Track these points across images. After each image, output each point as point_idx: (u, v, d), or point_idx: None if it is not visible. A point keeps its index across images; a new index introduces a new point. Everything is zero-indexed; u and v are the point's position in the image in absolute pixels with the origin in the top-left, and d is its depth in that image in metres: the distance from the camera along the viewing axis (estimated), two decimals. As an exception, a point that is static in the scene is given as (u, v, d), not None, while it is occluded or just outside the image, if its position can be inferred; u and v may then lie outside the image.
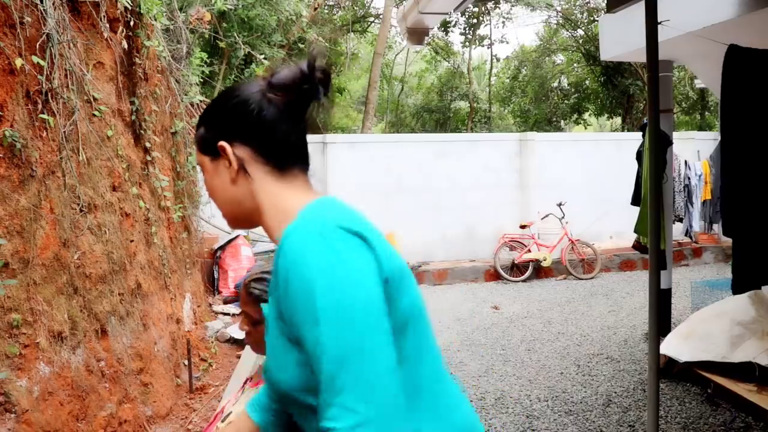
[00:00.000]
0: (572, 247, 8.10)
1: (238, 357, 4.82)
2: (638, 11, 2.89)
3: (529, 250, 8.11)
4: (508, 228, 8.48)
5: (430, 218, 8.36)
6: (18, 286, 2.45)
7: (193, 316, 5.10)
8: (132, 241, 3.63)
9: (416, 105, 18.90)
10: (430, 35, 10.13)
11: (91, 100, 3.25)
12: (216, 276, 7.00)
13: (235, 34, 8.42)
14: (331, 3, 13.72)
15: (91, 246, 3.07)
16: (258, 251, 7.47)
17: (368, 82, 13.25)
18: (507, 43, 26.35)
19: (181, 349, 4.30)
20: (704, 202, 7.99)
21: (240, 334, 5.07)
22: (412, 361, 0.88)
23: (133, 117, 3.91)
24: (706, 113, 15.66)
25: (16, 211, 2.47)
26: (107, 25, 3.45)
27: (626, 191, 5.73)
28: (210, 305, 6.27)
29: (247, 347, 1.52)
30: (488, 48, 17.31)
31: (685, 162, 8.01)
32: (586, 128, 17.37)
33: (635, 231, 4.79)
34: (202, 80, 6.82)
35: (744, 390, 3.61)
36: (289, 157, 1.01)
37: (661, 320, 3.84)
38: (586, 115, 16.89)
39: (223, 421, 1.45)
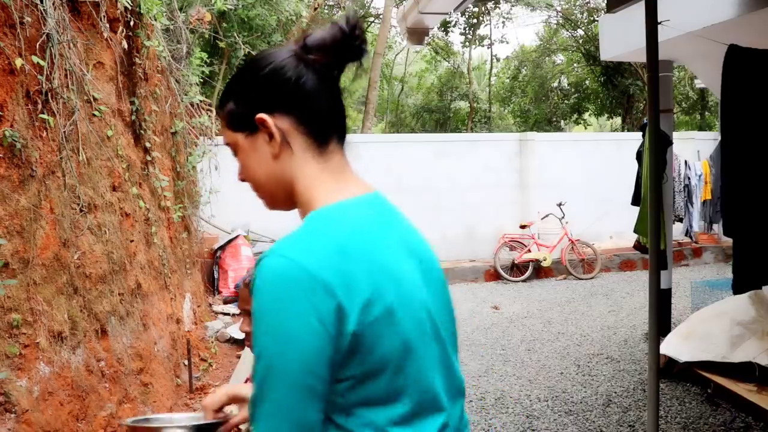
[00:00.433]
0: (572, 247, 8.10)
1: (238, 357, 4.82)
2: (638, 11, 2.89)
3: (529, 250, 8.11)
4: (508, 228, 8.48)
5: (430, 218, 8.36)
6: (18, 286, 2.45)
7: (193, 316, 5.10)
8: (132, 241, 3.63)
9: (416, 105, 18.90)
10: (430, 35, 10.13)
11: (91, 100, 3.25)
12: (216, 276, 7.00)
13: (235, 34, 8.42)
14: (331, 3, 13.72)
15: (91, 246, 3.07)
16: (258, 251, 7.47)
17: (368, 82, 13.26)
18: (507, 43, 26.35)
19: (181, 349, 4.30)
20: (704, 202, 7.99)
21: (240, 335, 5.06)
22: (382, 403, 0.84)
23: (133, 117, 3.91)
24: (706, 113, 15.66)
25: (16, 211, 2.47)
26: (107, 25, 3.45)
27: (626, 191, 5.73)
28: (210, 305, 6.27)
29: (247, 348, 1.51)
30: (488, 48, 17.32)
31: (685, 162, 8.01)
32: (586, 128, 17.37)
33: (635, 231, 4.80)
34: (202, 80, 6.82)
35: (744, 390, 3.61)
36: (329, 127, 0.94)
37: (661, 320, 3.84)
38: (586, 115, 16.89)
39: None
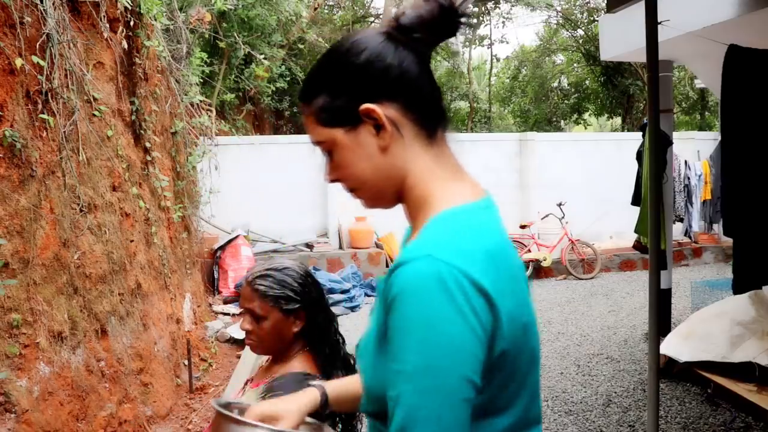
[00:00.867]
0: (572, 247, 8.10)
1: (238, 357, 4.82)
2: (638, 11, 2.89)
3: (529, 250, 8.10)
4: (508, 228, 8.26)
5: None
6: (18, 286, 2.45)
7: (193, 316, 5.10)
8: (132, 241, 3.63)
9: (416, 105, 18.82)
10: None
11: (91, 100, 3.25)
12: (216, 276, 7.00)
13: (235, 34, 8.42)
14: (331, 3, 13.72)
15: (91, 246, 3.07)
16: (258, 251, 7.47)
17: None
18: (507, 43, 26.32)
19: (181, 349, 4.30)
20: (704, 202, 7.99)
21: (240, 334, 5.06)
22: (496, 414, 0.80)
23: (133, 117, 3.91)
24: (706, 113, 15.66)
25: (16, 211, 2.47)
26: (107, 25, 3.45)
27: (626, 191, 5.73)
28: (210, 305, 6.27)
29: (247, 347, 1.51)
30: (488, 48, 17.32)
31: (685, 162, 8.01)
32: (586, 128, 17.37)
33: (635, 231, 4.80)
34: (202, 80, 6.83)
35: (744, 390, 3.61)
36: (434, 114, 0.86)
37: (661, 320, 3.84)
38: (586, 115, 16.89)
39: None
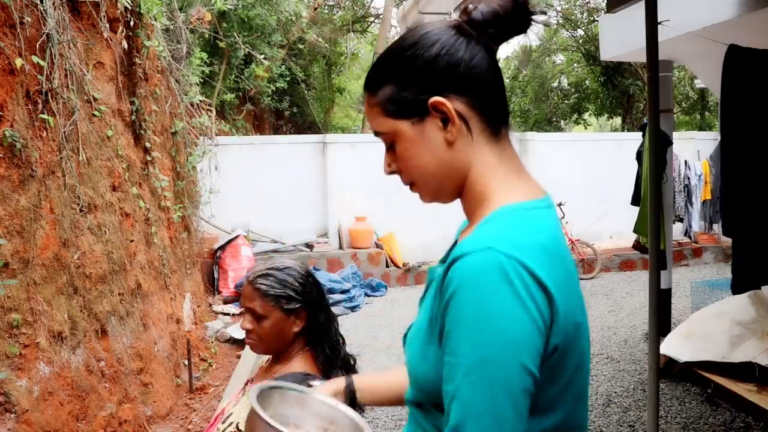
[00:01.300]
0: (572, 247, 8.10)
1: (238, 357, 4.82)
2: (638, 11, 2.89)
3: (529, 250, 8.10)
4: None
5: (430, 218, 8.36)
6: (18, 286, 2.45)
7: (193, 316, 5.10)
8: (132, 241, 3.63)
9: (416, 105, 18.82)
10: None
11: (91, 100, 3.25)
12: (216, 276, 7.00)
13: (235, 34, 8.42)
14: (331, 3, 13.72)
15: (91, 246, 3.07)
16: (258, 251, 7.47)
17: (368, 82, 13.20)
18: (507, 43, 26.34)
19: (181, 349, 4.30)
20: (704, 202, 7.99)
21: (240, 334, 5.06)
22: (542, 413, 0.79)
23: (133, 117, 3.91)
24: (706, 113, 15.66)
25: (16, 211, 2.47)
26: (107, 25, 3.45)
27: (626, 191, 5.74)
28: (210, 305, 6.27)
29: (247, 347, 1.51)
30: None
31: (685, 162, 8.01)
32: (586, 128, 17.37)
33: (635, 231, 4.79)
34: (202, 80, 6.83)
35: (744, 390, 3.61)
36: (500, 110, 0.86)
37: (661, 320, 3.84)
38: (586, 115, 16.88)
39: (223, 423, 1.44)
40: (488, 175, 0.85)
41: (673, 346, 4.12)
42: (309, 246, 7.91)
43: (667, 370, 4.12)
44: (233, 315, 6.07)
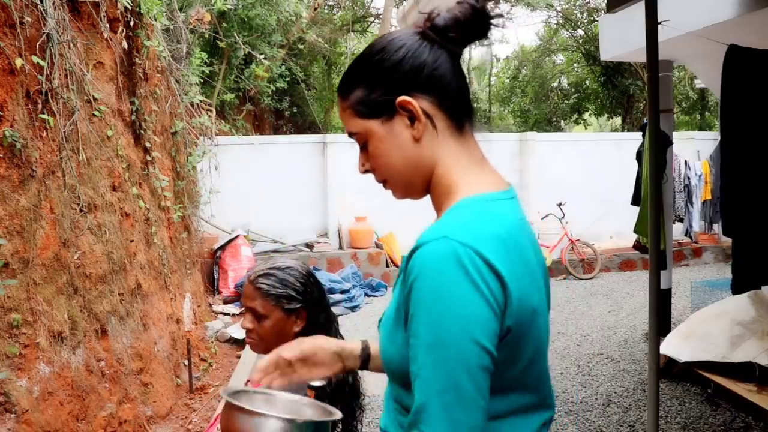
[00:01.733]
0: (572, 247, 8.10)
1: (238, 357, 4.82)
2: (638, 11, 2.89)
3: (529, 250, 8.10)
4: None
5: (429, 218, 8.34)
6: (18, 286, 2.45)
7: (193, 316, 5.10)
8: (132, 241, 3.63)
9: (416, 105, 18.80)
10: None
11: (91, 100, 3.25)
12: (216, 276, 7.00)
13: (235, 34, 8.42)
14: (331, 3, 13.72)
15: (91, 246, 3.07)
16: (258, 251, 7.47)
17: (368, 82, 13.18)
18: (507, 43, 26.35)
19: (181, 349, 4.30)
20: (704, 202, 7.99)
21: (240, 334, 5.06)
22: (503, 393, 0.85)
23: (133, 117, 3.91)
24: (706, 113, 15.66)
25: (16, 211, 2.47)
26: (107, 25, 3.45)
27: (626, 191, 5.74)
28: (210, 305, 6.27)
29: (248, 347, 1.51)
30: (488, 48, 17.30)
31: (685, 162, 8.01)
32: (586, 128, 17.36)
33: (635, 231, 4.79)
34: (202, 80, 6.83)
35: (744, 390, 3.61)
36: (463, 108, 0.92)
37: (661, 320, 3.84)
38: (586, 115, 16.88)
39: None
40: (453, 169, 0.91)
41: (673, 346, 4.12)
42: (309, 246, 7.91)
43: (667, 370, 4.12)
44: (233, 315, 6.07)
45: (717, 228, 8.34)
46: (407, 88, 0.88)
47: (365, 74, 0.91)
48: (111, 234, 3.28)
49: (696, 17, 3.66)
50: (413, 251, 0.81)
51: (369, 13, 15.02)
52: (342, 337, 1.53)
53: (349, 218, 8.08)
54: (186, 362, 4.22)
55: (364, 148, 0.94)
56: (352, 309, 6.66)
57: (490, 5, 0.89)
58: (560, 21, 16.03)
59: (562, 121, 17.25)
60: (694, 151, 8.82)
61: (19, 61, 2.51)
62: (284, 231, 8.06)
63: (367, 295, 7.22)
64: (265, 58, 8.72)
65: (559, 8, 15.45)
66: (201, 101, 6.17)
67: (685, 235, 8.30)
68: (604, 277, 8.01)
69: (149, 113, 4.14)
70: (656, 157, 2.82)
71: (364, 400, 1.49)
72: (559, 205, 8.21)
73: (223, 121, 8.42)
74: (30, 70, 2.63)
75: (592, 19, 14.58)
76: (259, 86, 9.37)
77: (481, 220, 0.83)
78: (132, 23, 3.82)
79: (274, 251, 7.73)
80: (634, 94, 13.93)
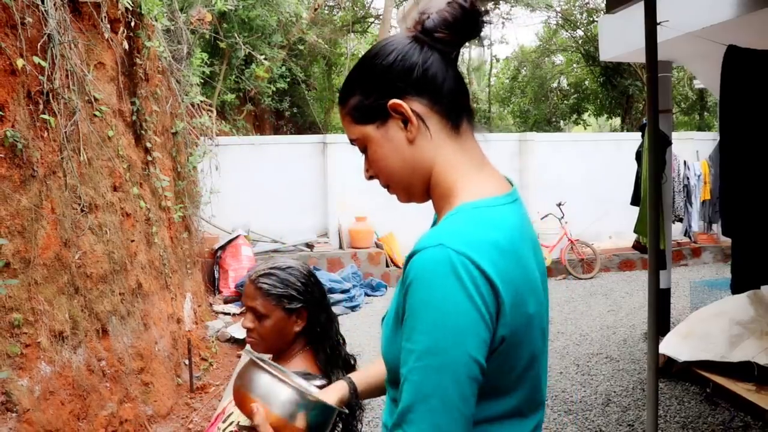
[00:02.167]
0: (572, 247, 8.11)
1: (239, 356, 4.83)
2: (637, 12, 2.90)
3: (529, 250, 8.11)
4: None
5: (430, 218, 8.36)
6: (19, 286, 2.46)
7: (193, 316, 5.11)
8: (133, 241, 3.64)
9: (416, 105, 18.79)
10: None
11: (92, 100, 3.25)
12: (216, 276, 7.01)
13: (236, 35, 8.43)
14: (331, 4, 13.72)
15: (92, 246, 3.08)
16: (258, 251, 7.48)
17: (368, 82, 13.17)
18: (507, 43, 26.39)
19: (182, 349, 4.31)
20: (703, 202, 8.00)
21: (240, 334, 5.07)
22: (495, 397, 0.85)
23: (134, 117, 3.92)
24: (705, 113, 15.66)
25: (17, 211, 2.48)
26: (108, 26, 3.46)
27: (626, 191, 5.74)
28: (210, 305, 6.28)
29: (248, 346, 1.52)
30: (488, 48, 17.32)
31: (684, 162, 8.02)
32: (585, 128, 17.37)
33: (635, 231, 4.80)
34: (202, 81, 6.83)
35: (743, 389, 3.62)
36: (459, 108, 0.92)
37: (660, 320, 3.85)
38: (585, 116, 16.88)
39: (224, 422, 1.45)
40: (451, 172, 0.91)
41: (673, 346, 4.13)
42: (309, 246, 7.92)
43: (666, 369, 4.13)
44: (234, 315, 6.08)
45: (716, 228, 8.36)
46: (399, 91, 0.89)
47: (359, 80, 0.92)
48: (112, 234, 3.29)
49: (695, 18, 3.67)
50: (410, 256, 0.82)
51: (369, 13, 15.03)
52: (342, 337, 1.54)
53: (349, 218, 8.09)
54: (186, 362, 4.23)
55: (365, 153, 0.95)
56: (352, 309, 6.67)
57: (480, 4, 0.89)
58: (560, 21, 16.04)
59: (562, 121, 17.25)
60: (693, 151, 8.83)
61: (20, 62, 2.52)
62: (284, 231, 8.07)
63: (367, 294, 7.23)
64: (265, 59, 8.73)
65: (558, 9, 15.46)
66: (201, 101, 6.18)
67: (685, 235, 8.31)
68: (603, 277, 8.02)
69: (150, 113, 4.15)
70: (655, 157, 2.83)
71: (364, 400, 1.50)
72: (559, 205, 8.22)
73: (223, 121, 8.43)
74: (31, 70, 2.64)
75: (591, 19, 14.59)
76: (259, 87, 9.38)
77: (478, 227, 0.83)
78: (133, 24, 3.83)
79: (275, 251, 7.73)
80: (633, 94, 13.94)
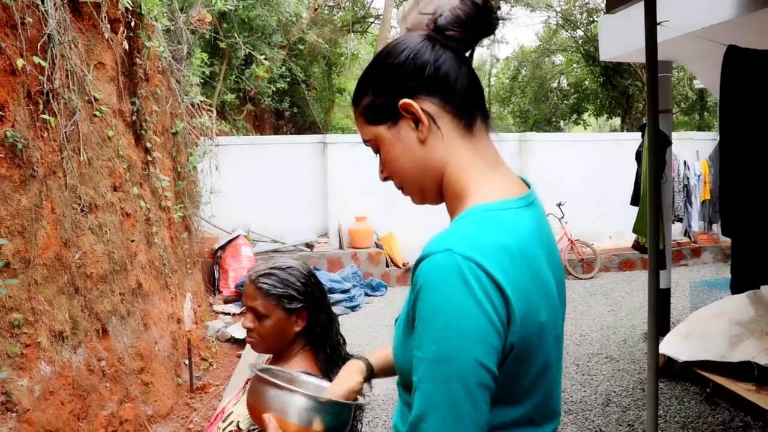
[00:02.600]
0: (572, 247, 8.11)
1: (239, 356, 4.83)
2: (637, 12, 2.90)
3: (529, 250, 8.11)
4: None
5: (429, 218, 8.36)
6: (19, 286, 2.46)
7: (193, 316, 5.11)
8: (133, 241, 3.64)
9: (416, 105, 18.81)
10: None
11: (92, 100, 3.25)
12: (216, 276, 7.01)
13: (236, 35, 8.43)
14: (331, 4, 13.72)
15: (92, 246, 3.08)
16: (258, 251, 7.48)
17: (368, 82, 13.17)
18: (506, 43, 26.35)
19: (182, 349, 4.31)
20: (703, 202, 8.00)
21: (240, 334, 5.07)
22: (507, 404, 0.83)
23: (134, 117, 3.92)
24: (705, 113, 15.67)
25: (17, 211, 2.48)
26: (108, 26, 3.46)
27: (626, 191, 5.75)
28: (210, 305, 6.28)
29: (248, 346, 1.52)
30: (488, 48, 17.32)
31: (684, 162, 8.03)
32: (585, 128, 17.38)
33: (634, 231, 4.80)
34: (202, 81, 6.84)
35: (743, 389, 3.62)
36: (472, 106, 0.90)
37: (660, 320, 3.85)
38: (585, 116, 16.89)
39: (224, 421, 1.45)
40: (463, 172, 0.89)
41: (672, 346, 4.13)
42: (309, 246, 7.92)
43: (666, 369, 4.13)
44: (234, 315, 6.08)
45: (716, 228, 8.36)
46: (410, 91, 0.87)
47: (371, 80, 0.91)
48: (112, 234, 3.29)
49: (695, 18, 3.67)
50: (419, 262, 0.80)
51: (369, 13, 15.03)
52: (343, 337, 1.54)
53: (349, 218, 8.09)
54: (186, 362, 4.23)
55: (378, 154, 0.94)
56: (352, 309, 6.67)
57: (493, 2, 0.88)
58: (560, 21, 16.05)
59: (562, 121, 17.26)
60: (693, 151, 8.83)
61: (20, 62, 2.52)
62: (284, 231, 8.07)
63: (367, 294, 7.22)
64: (265, 59, 8.73)
65: (558, 9, 15.46)
66: (201, 101, 6.18)
67: (684, 235, 8.31)
68: (603, 277, 8.03)
69: (150, 113, 4.15)
70: (655, 157, 2.83)
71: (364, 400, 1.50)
72: (559, 205, 8.22)
73: (223, 121, 8.43)
74: (31, 70, 2.64)
75: (591, 19, 14.59)
76: (259, 87, 9.38)
77: (487, 231, 0.81)
78: (133, 24, 3.83)
79: (275, 251, 7.74)
80: (633, 94, 13.95)
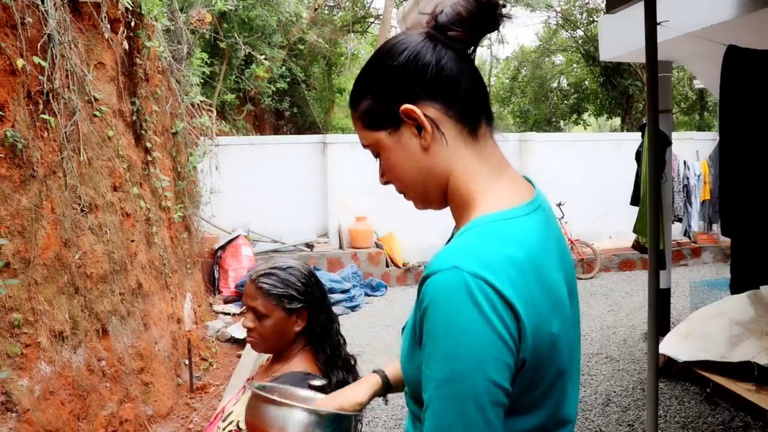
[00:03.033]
0: (571, 247, 8.11)
1: (239, 356, 4.83)
2: (637, 12, 2.90)
3: (529, 250, 8.11)
4: None
5: (430, 218, 8.37)
6: (19, 286, 2.46)
7: (193, 316, 5.11)
8: (133, 241, 3.64)
9: (416, 105, 18.81)
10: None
11: (92, 100, 3.26)
12: (216, 276, 7.01)
13: (236, 35, 8.43)
14: (331, 4, 13.72)
15: (92, 246, 3.08)
16: (258, 251, 7.48)
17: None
18: (506, 43, 26.34)
19: (182, 349, 4.31)
20: (703, 202, 8.00)
21: (240, 334, 5.07)
22: (518, 414, 0.81)
23: (134, 117, 3.92)
24: (705, 113, 15.67)
25: (17, 211, 2.48)
26: (108, 26, 3.46)
27: (626, 191, 5.75)
28: (210, 305, 6.28)
29: (248, 346, 1.52)
30: (488, 48, 17.32)
31: (684, 162, 8.03)
32: (585, 128, 17.37)
33: (634, 231, 4.80)
34: (202, 81, 6.84)
35: (743, 389, 3.62)
36: (477, 109, 0.86)
37: (660, 320, 3.85)
38: (585, 116, 16.89)
39: (224, 421, 1.45)
40: (468, 179, 0.86)
41: (672, 346, 4.13)
42: (309, 246, 7.92)
43: (667, 369, 4.13)
44: (234, 315, 6.08)
45: (716, 228, 8.36)
46: (412, 95, 0.83)
47: (370, 83, 0.87)
48: (112, 234, 3.29)
49: (695, 18, 3.67)
50: (425, 278, 0.78)
51: (369, 13, 15.03)
52: (343, 337, 1.54)
53: (349, 218, 8.09)
54: (186, 362, 4.23)
55: (379, 158, 0.90)
56: (352, 309, 6.67)
57: None
58: (560, 21, 16.05)
59: (562, 121, 17.26)
60: (693, 151, 8.83)
61: (20, 62, 2.52)
62: (284, 231, 8.07)
63: (367, 294, 7.23)
64: (265, 59, 8.73)
65: (558, 9, 15.46)
66: (201, 101, 6.18)
67: (684, 235, 8.31)
68: (603, 277, 8.03)
69: (150, 113, 4.15)
70: (655, 157, 2.83)
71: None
72: (559, 205, 8.22)
73: (223, 121, 8.44)
74: (31, 70, 2.64)
75: (591, 19, 14.59)
76: (259, 87, 9.38)
77: (494, 244, 0.78)
78: (133, 24, 3.83)
79: (275, 251, 7.74)
80: (633, 94, 13.95)
